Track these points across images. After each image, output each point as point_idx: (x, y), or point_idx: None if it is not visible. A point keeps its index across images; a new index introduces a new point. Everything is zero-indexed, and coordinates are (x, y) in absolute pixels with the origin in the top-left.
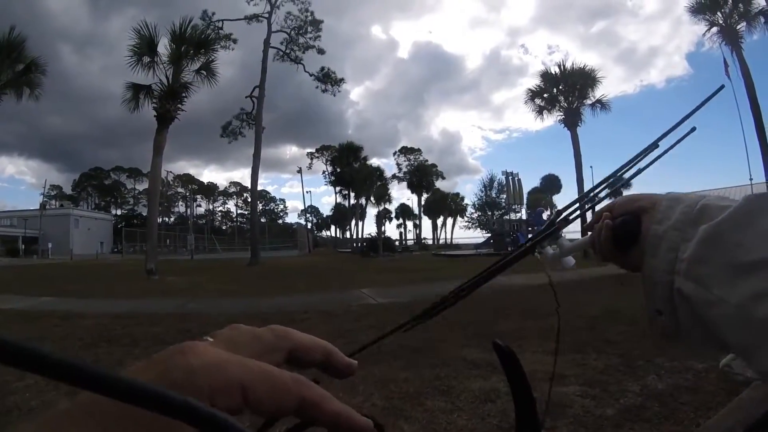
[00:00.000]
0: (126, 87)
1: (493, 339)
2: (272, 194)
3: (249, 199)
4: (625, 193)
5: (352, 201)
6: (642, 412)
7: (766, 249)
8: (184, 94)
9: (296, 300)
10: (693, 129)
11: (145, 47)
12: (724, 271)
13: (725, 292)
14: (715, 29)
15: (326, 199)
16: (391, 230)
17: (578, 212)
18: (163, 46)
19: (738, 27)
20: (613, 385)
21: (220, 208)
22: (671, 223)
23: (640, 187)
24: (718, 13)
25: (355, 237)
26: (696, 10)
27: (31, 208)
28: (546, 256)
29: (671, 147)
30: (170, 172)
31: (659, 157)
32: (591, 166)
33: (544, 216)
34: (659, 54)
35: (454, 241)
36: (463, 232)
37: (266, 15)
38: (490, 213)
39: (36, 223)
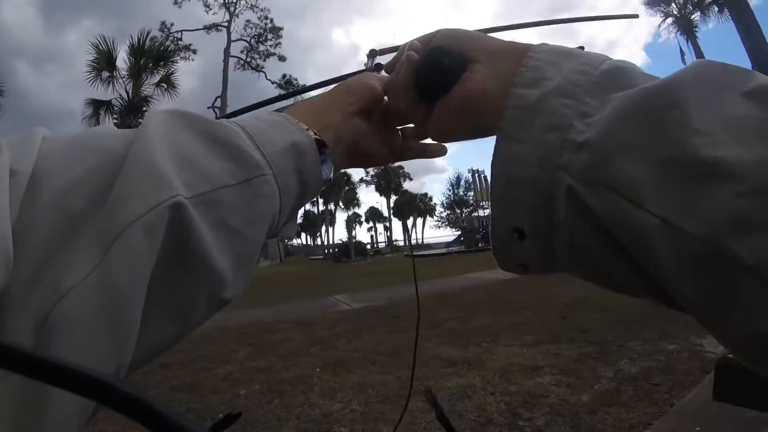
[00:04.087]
0: (86, 103)
1: (426, 389)
2: None
3: None
4: None
5: (321, 207)
6: (617, 396)
7: (740, 143)
8: (144, 108)
9: (270, 311)
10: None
11: (104, 62)
12: (671, 174)
13: (674, 210)
14: (670, 20)
15: None
16: (362, 234)
17: None
18: (122, 60)
19: (692, 17)
20: (587, 372)
21: None
22: (554, 85)
23: None
24: (673, 4)
25: (326, 243)
26: (651, 2)
27: None
28: None
29: (598, 18)
30: None
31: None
32: None
33: None
34: (618, 46)
35: (425, 241)
36: (434, 231)
37: (225, 24)
38: (458, 211)
39: None
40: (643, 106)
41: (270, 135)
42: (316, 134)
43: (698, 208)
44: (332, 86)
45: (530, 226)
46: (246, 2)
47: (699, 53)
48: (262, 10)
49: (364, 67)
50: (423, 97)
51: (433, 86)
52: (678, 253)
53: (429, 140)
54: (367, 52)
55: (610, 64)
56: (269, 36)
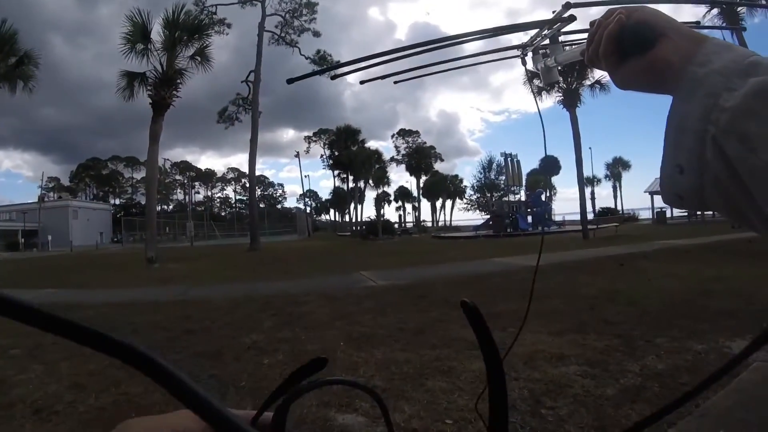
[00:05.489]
0: (120, 75)
1: (462, 299)
2: (270, 179)
3: (247, 185)
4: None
5: (351, 184)
6: (642, 392)
7: None
8: (178, 81)
9: (297, 284)
10: None
11: (138, 34)
12: None
13: None
14: (715, 11)
15: (325, 183)
16: (390, 213)
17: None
18: (157, 33)
19: (738, 9)
20: (613, 365)
21: (219, 195)
22: (715, 67)
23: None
24: None
25: (354, 220)
26: None
27: (30, 202)
28: (537, 61)
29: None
30: (167, 159)
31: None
32: (590, 148)
33: (543, 197)
34: None
35: (453, 223)
36: (462, 214)
37: None
38: (489, 195)
39: (35, 216)
40: (762, 89)
41: None
42: None
43: None
44: None
45: (688, 163)
46: None
47: (744, 47)
48: None
49: (552, 17)
50: (619, 50)
51: (631, 47)
52: None
53: None
54: (563, 4)
55: (753, 59)
56: (304, 11)
